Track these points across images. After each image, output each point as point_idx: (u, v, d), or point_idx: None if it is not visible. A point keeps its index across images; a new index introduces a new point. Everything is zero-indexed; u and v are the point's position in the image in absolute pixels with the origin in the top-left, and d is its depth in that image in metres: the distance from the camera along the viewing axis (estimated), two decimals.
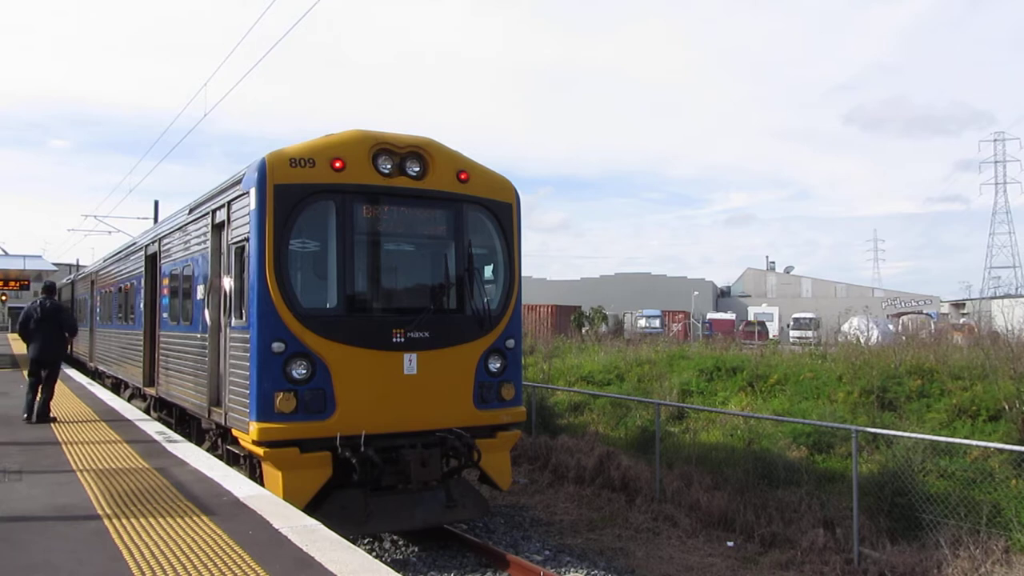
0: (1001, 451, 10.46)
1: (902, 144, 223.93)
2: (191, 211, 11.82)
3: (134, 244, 17.47)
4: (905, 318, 42.63)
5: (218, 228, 10.28)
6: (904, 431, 11.75)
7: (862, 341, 19.49)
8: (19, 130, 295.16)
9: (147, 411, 14.04)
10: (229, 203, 9.71)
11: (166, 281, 13.40)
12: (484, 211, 9.99)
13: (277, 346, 8.48)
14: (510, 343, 9.93)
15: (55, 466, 8.32)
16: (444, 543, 9.99)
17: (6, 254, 28.36)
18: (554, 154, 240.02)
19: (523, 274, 10.43)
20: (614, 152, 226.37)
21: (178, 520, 6.14)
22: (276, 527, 5.97)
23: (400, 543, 10.11)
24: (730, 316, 66.45)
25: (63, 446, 9.57)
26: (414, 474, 8.91)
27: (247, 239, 8.93)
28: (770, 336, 49.88)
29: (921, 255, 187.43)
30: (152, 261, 14.65)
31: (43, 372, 11.88)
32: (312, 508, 8.12)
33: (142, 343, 14.88)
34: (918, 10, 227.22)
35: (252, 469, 9.16)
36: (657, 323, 56.33)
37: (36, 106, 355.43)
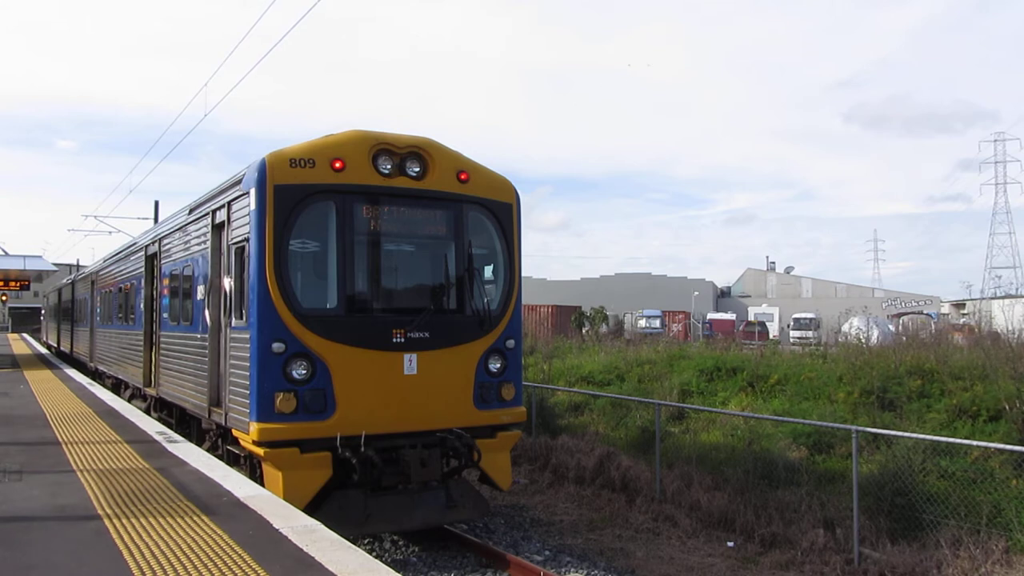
0: (1001, 451, 10.46)
1: (904, 143, 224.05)
2: (191, 211, 11.82)
3: (134, 244, 17.47)
4: (905, 318, 42.61)
5: (218, 228, 10.28)
6: (904, 431, 11.75)
7: (863, 341, 19.44)
8: (26, 131, 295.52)
9: (147, 411, 14.04)
10: (229, 203, 9.71)
11: (166, 281, 13.40)
12: (484, 211, 9.99)
13: (277, 346, 8.49)
14: (510, 343, 9.94)
15: (55, 466, 8.31)
16: (444, 543, 9.99)
17: (6, 254, 28.26)
18: (558, 154, 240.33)
19: (523, 274, 10.43)
20: (618, 152, 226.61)
21: (178, 520, 6.14)
22: (276, 527, 5.96)
23: (400, 543, 10.11)
24: (730, 316, 66.49)
25: (63, 446, 9.57)
26: (414, 474, 8.91)
27: (247, 239, 8.93)
28: (770, 336, 49.91)
29: (922, 255, 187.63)
30: (152, 261, 14.66)
31: None
32: (312, 508, 8.13)
33: (142, 343, 14.89)
34: (921, 12, 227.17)
35: (252, 469, 9.16)
36: (657, 323, 56.36)
37: (43, 106, 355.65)
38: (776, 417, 14.20)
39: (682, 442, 14.59)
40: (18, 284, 29.17)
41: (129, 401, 15.77)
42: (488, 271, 10.13)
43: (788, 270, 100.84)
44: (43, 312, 54.23)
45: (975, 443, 10.68)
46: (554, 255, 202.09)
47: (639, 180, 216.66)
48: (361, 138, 9.24)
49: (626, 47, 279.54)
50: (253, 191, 8.78)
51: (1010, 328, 18.24)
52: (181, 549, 5.39)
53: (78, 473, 7.96)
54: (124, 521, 6.10)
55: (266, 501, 6.85)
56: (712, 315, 68.72)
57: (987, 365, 14.41)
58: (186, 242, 12.09)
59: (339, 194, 8.99)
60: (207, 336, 10.35)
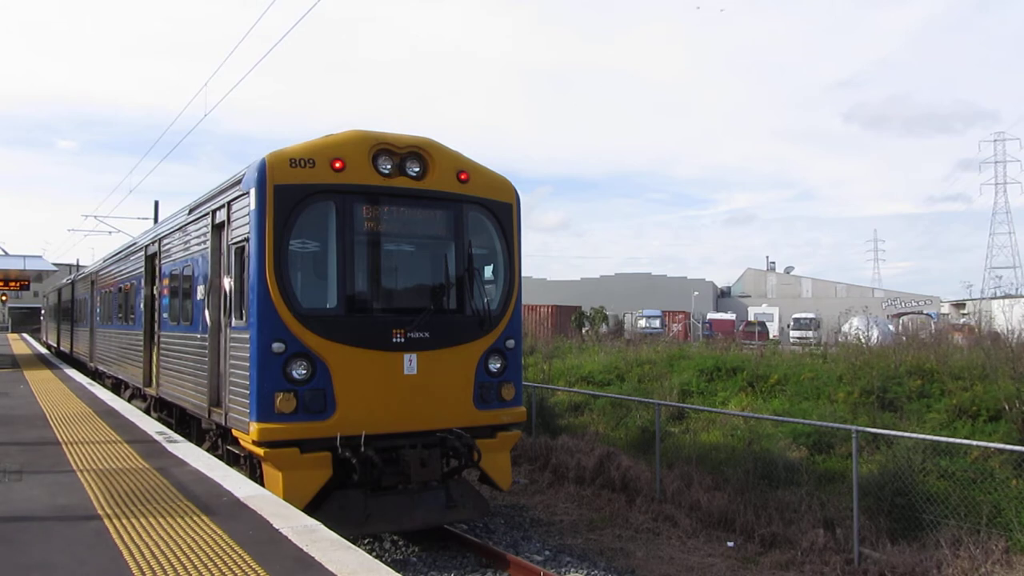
0: (1001, 451, 10.47)
1: (904, 143, 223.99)
2: (191, 211, 11.83)
3: (134, 244, 17.47)
4: (905, 318, 42.62)
5: (218, 228, 10.28)
6: (904, 431, 11.76)
7: (863, 341, 19.44)
8: (26, 131, 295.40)
9: (147, 411, 14.04)
10: (229, 203, 9.71)
11: (166, 281, 13.40)
12: (484, 211, 9.99)
13: (277, 346, 8.49)
14: (510, 343, 9.94)
15: (55, 466, 8.31)
16: (444, 543, 9.99)
17: (6, 254, 28.24)
18: (558, 154, 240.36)
19: (523, 274, 10.43)
20: (618, 152, 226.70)
21: (178, 520, 6.14)
22: (276, 527, 5.97)
23: (400, 543, 10.11)
24: (730, 316, 66.49)
25: (63, 446, 9.57)
26: (414, 474, 8.92)
27: (247, 239, 8.93)
28: (770, 336, 49.94)
29: (922, 255, 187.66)
30: (152, 261, 14.66)
31: None
32: (312, 508, 8.12)
33: (142, 343, 14.89)
34: (921, 12, 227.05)
35: (252, 469, 9.16)
36: (657, 323, 56.35)
37: (43, 106, 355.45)
38: (776, 417, 14.20)
39: (682, 442, 14.59)
40: (18, 284, 29.17)
41: (129, 401, 15.77)
42: (488, 271, 10.13)
43: (788, 270, 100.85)
44: (43, 312, 54.23)
45: (975, 443, 10.69)
46: (554, 255, 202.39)
47: (639, 180, 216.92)
48: (361, 138, 9.24)
49: (626, 47, 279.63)
50: (253, 191, 8.78)
51: (1010, 328, 18.24)
52: (181, 549, 5.39)
53: (78, 473, 7.96)
54: (124, 521, 6.11)
55: (266, 501, 6.85)
56: (712, 315, 68.71)
57: (987, 365, 14.42)
58: (186, 242, 12.09)
59: (339, 194, 8.99)
60: (207, 336, 10.35)
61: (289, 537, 5.69)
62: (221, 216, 10.05)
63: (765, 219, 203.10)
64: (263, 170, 8.71)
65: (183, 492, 7.15)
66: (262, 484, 8.40)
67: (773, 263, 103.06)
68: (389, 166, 9.29)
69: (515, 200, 10.28)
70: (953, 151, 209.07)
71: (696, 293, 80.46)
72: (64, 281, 33.98)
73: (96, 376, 21.58)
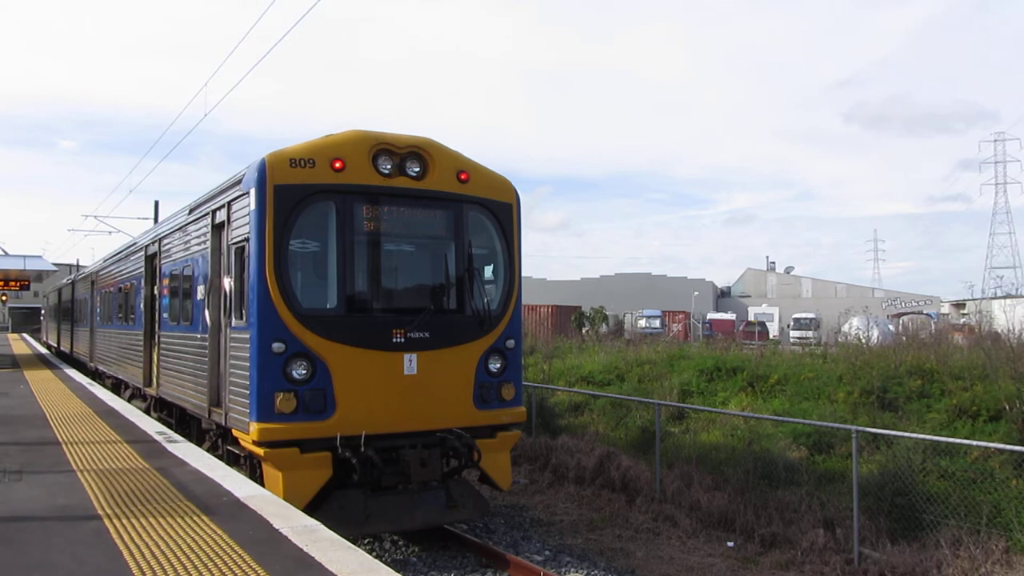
0: (1001, 451, 10.46)
1: (904, 143, 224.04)
2: (191, 211, 11.83)
3: (134, 244, 17.48)
4: (905, 318, 42.61)
5: (218, 228, 10.28)
6: (904, 431, 11.76)
7: (863, 341, 19.42)
8: (26, 131, 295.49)
9: (147, 411, 14.04)
10: (229, 203, 9.71)
11: (166, 281, 13.40)
12: (484, 211, 9.99)
13: (277, 346, 8.49)
14: (510, 343, 9.94)
15: (55, 466, 8.31)
16: (444, 543, 9.99)
17: (6, 254, 28.23)
18: (558, 154, 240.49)
19: (523, 274, 10.43)
20: (618, 152, 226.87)
21: (178, 520, 6.14)
22: (276, 527, 5.97)
23: (400, 543, 10.11)
24: (730, 316, 66.48)
25: (63, 446, 9.57)
26: (414, 474, 8.92)
27: (247, 239, 8.93)
28: (770, 336, 49.92)
29: (922, 255, 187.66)
30: (152, 261, 14.66)
31: None
32: (312, 508, 8.13)
33: (142, 343, 14.89)
34: (921, 12, 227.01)
35: (252, 469, 9.17)
36: (657, 323, 56.33)
37: (43, 106, 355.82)
38: (776, 417, 14.20)
39: (682, 442, 14.59)
40: (18, 284, 29.17)
41: (129, 401, 15.77)
42: (488, 271, 10.13)
43: (788, 270, 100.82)
44: (43, 312, 54.24)
45: (975, 443, 10.68)
46: (554, 255, 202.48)
47: (639, 180, 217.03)
48: (361, 138, 9.24)
49: (626, 47, 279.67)
50: (253, 191, 8.78)
51: (1010, 328, 18.22)
52: (181, 549, 5.39)
53: (78, 473, 7.96)
54: (124, 521, 6.11)
55: (266, 501, 6.85)
56: (712, 315, 68.70)
57: (987, 365, 14.41)
58: (186, 242, 12.09)
59: (339, 194, 9.00)
60: (207, 336, 10.35)
61: (289, 537, 5.69)
62: (221, 216, 10.05)
63: (765, 219, 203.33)
64: (263, 170, 8.71)
65: (183, 492, 7.15)
66: (262, 484, 8.40)
67: (773, 263, 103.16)
68: (389, 166, 9.29)
69: (515, 200, 10.28)
70: (953, 151, 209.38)
71: (696, 293, 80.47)
72: (64, 281, 33.97)
73: (96, 376, 21.57)
